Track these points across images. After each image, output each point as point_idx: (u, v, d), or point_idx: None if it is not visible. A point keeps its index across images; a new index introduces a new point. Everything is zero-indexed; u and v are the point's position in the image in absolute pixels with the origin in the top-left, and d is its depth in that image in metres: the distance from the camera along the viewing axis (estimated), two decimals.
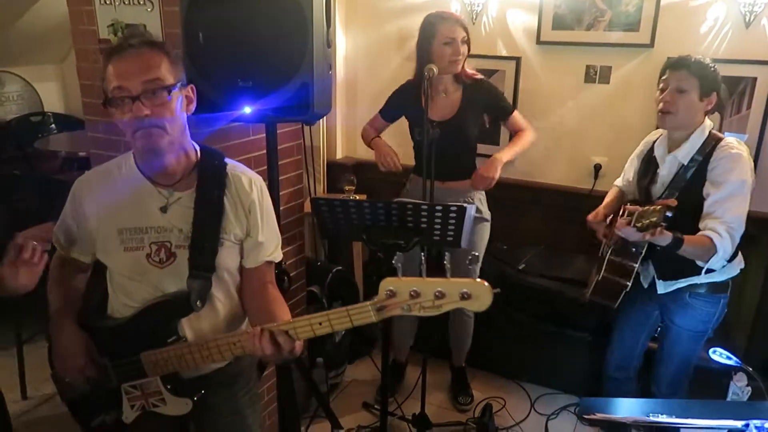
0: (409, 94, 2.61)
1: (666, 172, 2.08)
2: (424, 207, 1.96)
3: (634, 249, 2.07)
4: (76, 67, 2.25)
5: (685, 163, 2.01)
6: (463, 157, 2.62)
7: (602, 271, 2.14)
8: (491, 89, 2.64)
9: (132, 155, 1.48)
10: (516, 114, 2.66)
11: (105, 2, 2.02)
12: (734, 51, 2.66)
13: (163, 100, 1.32)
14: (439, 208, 1.95)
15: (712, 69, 1.97)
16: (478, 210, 2.60)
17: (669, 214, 1.74)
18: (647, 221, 1.74)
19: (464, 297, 1.18)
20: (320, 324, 1.26)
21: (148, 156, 1.41)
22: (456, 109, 2.55)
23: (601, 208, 2.29)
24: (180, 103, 1.38)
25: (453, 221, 1.96)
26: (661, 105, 1.99)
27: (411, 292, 1.18)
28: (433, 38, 2.45)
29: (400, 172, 2.60)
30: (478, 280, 1.18)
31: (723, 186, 1.91)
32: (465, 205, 1.95)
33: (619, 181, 2.40)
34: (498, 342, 3.06)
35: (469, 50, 2.50)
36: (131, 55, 1.32)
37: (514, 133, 2.66)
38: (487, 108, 2.67)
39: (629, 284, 2.09)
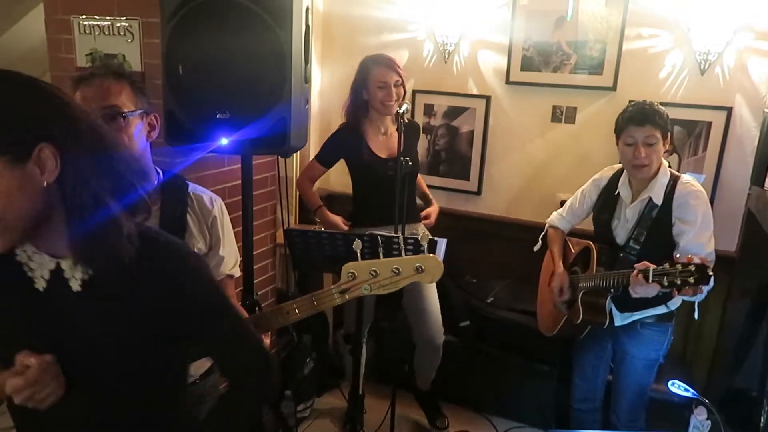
0: (350, 137, 2.64)
1: (632, 212, 2.17)
2: (396, 239, 2.00)
3: (613, 290, 2.14)
4: None
5: (659, 203, 2.10)
6: (411, 191, 2.71)
7: (580, 314, 2.20)
8: (418, 133, 2.83)
9: None
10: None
11: (84, 32, 2.04)
12: (691, 96, 2.81)
13: (119, 125, 1.41)
14: (411, 240, 1.99)
15: (664, 113, 2.08)
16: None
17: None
18: (672, 279, 1.82)
19: (418, 271, 1.33)
20: (287, 313, 1.37)
21: None
22: (401, 149, 2.62)
23: (559, 262, 2.37)
24: (138, 129, 1.46)
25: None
26: (636, 161, 2.07)
27: (371, 272, 1.32)
28: (366, 81, 2.56)
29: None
30: (431, 255, 1.33)
31: (694, 223, 2.02)
32: (437, 238, 1.99)
33: (556, 220, 2.49)
34: (466, 375, 3.08)
35: (404, 93, 2.59)
36: (95, 83, 1.41)
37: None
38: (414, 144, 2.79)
39: (606, 321, 2.17)
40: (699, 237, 2.01)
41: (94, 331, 0.99)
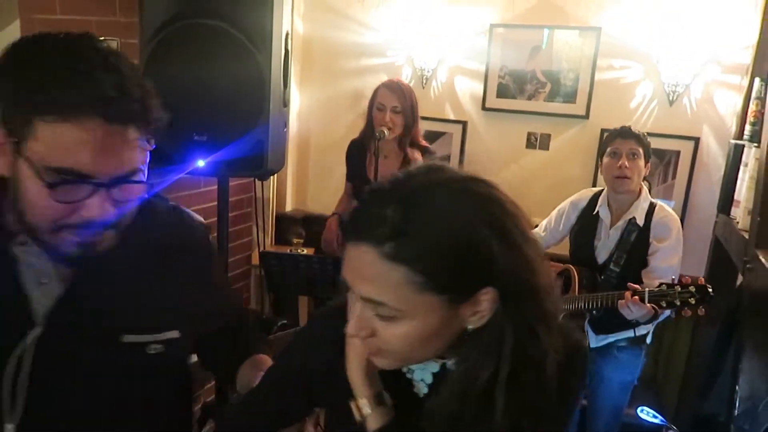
0: (354, 154, 2.69)
1: (613, 234, 2.22)
2: None
3: (595, 311, 2.17)
4: None
5: (641, 225, 2.16)
6: None
7: None
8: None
9: None
10: None
11: None
12: (660, 126, 2.89)
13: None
14: None
15: (647, 138, 2.19)
16: None
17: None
18: (672, 300, 1.87)
19: None
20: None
21: None
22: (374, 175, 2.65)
23: None
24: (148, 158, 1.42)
25: None
26: (617, 171, 2.15)
27: None
28: (373, 102, 2.59)
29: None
30: None
31: (669, 241, 2.11)
32: None
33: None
34: None
35: (406, 120, 2.57)
36: None
37: None
38: None
39: (587, 342, 2.21)
40: (671, 258, 2.09)
41: None
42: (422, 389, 0.88)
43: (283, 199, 3.67)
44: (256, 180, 2.66)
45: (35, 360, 0.92)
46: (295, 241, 3.20)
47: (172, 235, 1.06)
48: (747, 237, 1.99)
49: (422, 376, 0.88)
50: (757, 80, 2.37)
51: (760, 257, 1.75)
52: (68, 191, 0.84)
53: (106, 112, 0.82)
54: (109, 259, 0.93)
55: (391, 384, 0.87)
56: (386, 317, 0.75)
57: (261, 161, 1.73)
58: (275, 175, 3.53)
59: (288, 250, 2.91)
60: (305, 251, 3.05)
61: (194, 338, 1.11)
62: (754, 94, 2.37)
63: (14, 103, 0.83)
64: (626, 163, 2.13)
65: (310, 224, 3.56)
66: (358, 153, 2.68)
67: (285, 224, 3.59)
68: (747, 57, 2.65)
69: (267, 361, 1.15)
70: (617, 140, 2.17)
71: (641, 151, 2.15)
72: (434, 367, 0.87)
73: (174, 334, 1.02)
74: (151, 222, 1.00)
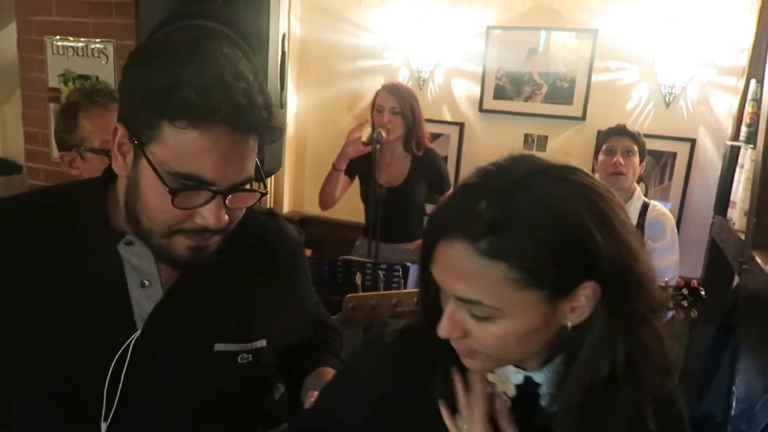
0: (362, 156, 2.66)
1: None
2: (369, 265, 2.01)
3: None
4: (21, 113, 2.22)
5: (635, 225, 2.17)
6: (410, 220, 2.70)
7: None
8: (437, 165, 2.72)
9: None
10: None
11: (58, 52, 2.03)
12: (656, 127, 2.90)
13: None
14: (383, 266, 2.00)
15: (641, 137, 2.19)
16: None
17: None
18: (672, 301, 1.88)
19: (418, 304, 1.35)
20: None
21: None
22: (403, 179, 2.63)
23: None
24: None
25: (397, 279, 2.01)
26: (612, 168, 2.16)
27: (372, 305, 1.31)
28: (373, 104, 2.58)
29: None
30: None
31: (664, 240, 2.11)
32: (408, 264, 2.01)
33: None
34: None
35: (406, 121, 2.55)
36: (108, 108, 1.39)
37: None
38: (429, 180, 2.74)
39: None
40: (668, 258, 2.09)
41: None
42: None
43: (280, 200, 3.67)
44: (253, 182, 2.65)
45: (131, 362, 0.90)
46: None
47: (266, 243, 1.04)
48: (743, 238, 2.00)
49: (504, 388, 0.82)
50: (752, 82, 2.38)
51: (756, 258, 1.75)
52: (188, 197, 0.82)
53: (235, 121, 0.81)
54: (207, 265, 0.92)
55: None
56: (481, 317, 0.71)
57: (258, 163, 1.72)
58: (273, 178, 3.55)
59: None
60: None
61: (280, 349, 1.09)
62: (749, 96, 2.37)
63: (142, 104, 0.81)
64: (621, 159, 2.15)
65: (307, 226, 3.56)
66: (366, 155, 2.67)
67: None
68: (743, 59, 2.66)
69: (330, 372, 1.13)
70: (612, 138, 2.20)
71: (636, 148, 2.17)
72: (518, 378, 0.81)
73: (262, 343, 1.01)
74: (247, 228, 0.97)
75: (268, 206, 3.53)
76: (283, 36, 1.79)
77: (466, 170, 3.49)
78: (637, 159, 2.18)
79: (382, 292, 1.43)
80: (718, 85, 2.80)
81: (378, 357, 0.89)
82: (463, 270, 0.70)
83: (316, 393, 1.00)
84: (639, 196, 2.22)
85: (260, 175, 0.94)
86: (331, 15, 3.37)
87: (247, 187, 0.88)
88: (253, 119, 0.82)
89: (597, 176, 2.25)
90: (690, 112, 2.86)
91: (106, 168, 0.95)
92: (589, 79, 2.96)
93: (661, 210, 2.21)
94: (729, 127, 2.73)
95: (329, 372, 1.12)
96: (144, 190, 0.84)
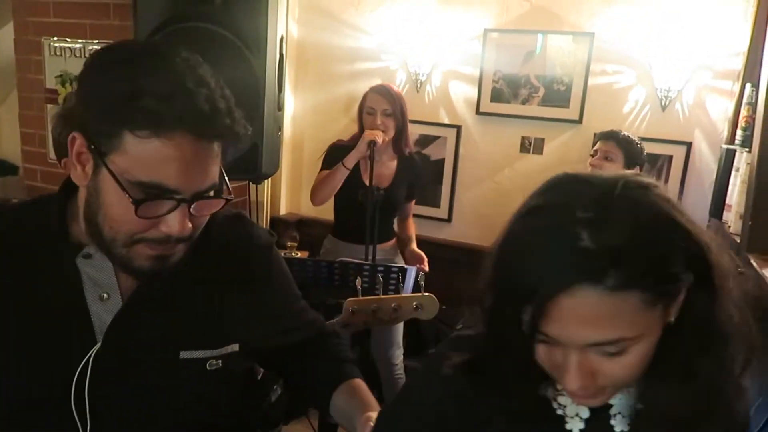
0: (343, 153, 2.65)
1: None
2: (367, 267, 2.01)
3: None
4: (18, 114, 2.22)
5: None
6: (389, 222, 2.72)
7: None
8: (421, 169, 2.77)
9: None
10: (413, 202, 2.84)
11: (55, 53, 2.03)
12: (652, 130, 2.91)
13: None
14: (381, 268, 2.00)
15: (638, 145, 2.19)
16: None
17: None
18: None
19: (417, 308, 1.42)
20: None
21: None
22: (390, 181, 2.65)
23: None
24: None
25: (394, 281, 2.01)
26: (590, 169, 2.18)
27: (372, 309, 1.32)
28: (362, 107, 2.59)
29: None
30: (426, 294, 1.44)
31: None
32: (406, 266, 2.01)
33: None
34: None
35: (397, 123, 2.56)
36: None
37: (404, 216, 2.81)
38: (409, 183, 2.75)
39: None
40: None
41: None
42: (576, 425, 0.78)
43: (277, 202, 3.67)
44: (251, 183, 2.65)
45: (94, 376, 0.89)
46: (289, 244, 3.20)
47: (232, 245, 1.02)
48: (738, 241, 2.01)
49: (577, 410, 0.77)
50: (748, 86, 2.39)
51: (752, 261, 1.76)
52: (152, 206, 0.80)
53: (198, 128, 0.79)
54: (168, 272, 0.90)
55: (540, 424, 0.78)
56: (616, 352, 0.66)
57: (255, 165, 1.72)
58: (270, 180, 3.55)
59: (282, 254, 2.91)
60: (299, 254, 3.05)
61: (257, 353, 1.07)
62: (745, 100, 2.39)
63: (101, 113, 0.79)
64: (595, 162, 2.18)
65: (304, 228, 3.56)
66: (345, 151, 2.65)
67: (279, 228, 3.59)
68: (738, 63, 2.68)
69: (362, 386, 1.10)
70: (599, 141, 2.23)
71: (620, 154, 2.18)
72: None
73: (234, 347, 0.99)
74: (212, 232, 0.95)
75: (265, 209, 3.53)
76: (281, 38, 1.80)
77: (463, 173, 3.51)
78: (619, 166, 2.19)
79: (382, 296, 1.43)
80: (713, 89, 2.81)
81: (441, 391, 0.84)
82: (596, 315, 0.63)
83: (372, 415, 0.97)
84: None
85: (224, 181, 0.92)
86: (329, 17, 3.38)
87: (211, 194, 0.86)
88: (216, 125, 0.81)
89: None
90: (686, 116, 2.87)
91: (64, 180, 0.92)
92: (585, 82, 2.97)
93: None
94: (724, 131, 2.74)
95: (359, 385, 1.10)
96: (105, 200, 0.82)
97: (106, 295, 0.91)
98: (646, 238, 0.63)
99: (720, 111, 2.82)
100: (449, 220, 3.36)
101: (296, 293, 1.17)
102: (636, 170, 2.22)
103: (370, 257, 2.40)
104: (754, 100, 2.31)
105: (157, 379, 0.93)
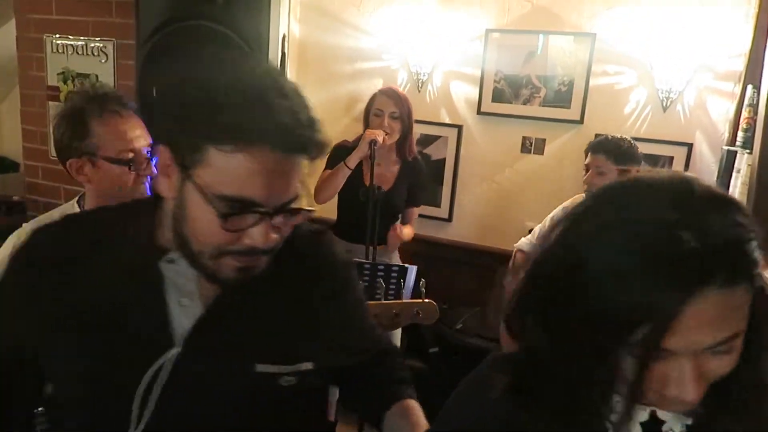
0: (347, 153, 2.66)
1: None
2: (367, 266, 2.01)
3: None
4: (20, 111, 2.22)
5: None
6: (387, 225, 2.72)
7: None
8: (424, 174, 2.78)
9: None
10: (417, 209, 2.85)
11: (57, 51, 2.03)
12: (653, 131, 2.92)
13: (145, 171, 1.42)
14: (381, 267, 2.00)
15: (629, 146, 2.19)
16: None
17: None
18: None
19: (417, 314, 1.47)
20: None
21: None
22: (391, 184, 2.65)
23: None
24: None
25: (394, 280, 2.01)
26: (585, 187, 2.24)
27: (373, 314, 1.37)
28: (369, 108, 2.59)
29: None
30: (426, 300, 1.49)
31: None
32: (406, 265, 2.02)
33: (525, 245, 2.55)
34: (434, 401, 3.07)
35: (403, 127, 2.58)
36: (124, 117, 1.39)
37: (405, 222, 2.81)
38: (410, 187, 2.76)
39: None
40: None
41: None
42: None
43: None
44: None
45: (170, 379, 0.89)
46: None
47: (311, 262, 1.02)
48: None
49: (672, 425, 0.73)
50: (749, 87, 2.40)
51: None
52: (237, 220, 0.81)
53: (281, 142, 0.79)
54: (250, 284, 0.90)
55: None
56: (725, 350, 0.63)
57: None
58: None
59: None
60: None
61: (331, 372, 1.06)
62: (746, 101, 2.39)
63: (184, 127, 0.80)
64: (589, 179, 2.23)
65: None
66: (348, 151, 2.65)
67: None
68: (739, 64, 2.68)
69: (416, 408, 1.08)
70: (589, 154, 2.24)
71: (611, 165, 2.19)
72: (644, 415, 0.73)
73: (308, 365, 0.97)
74: (293, 246, 0.94)
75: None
76: (283, 37, 1.80)
77: (464, 172, 3.50)
78: (611, 177, 2.19)
79: (383, 301, 1.46)
80: (715, 90, 2.81)
81: (490, 415, 0.81)
82: (718, 315, 0.61)
83: None
84: None
85: (309, 192, 0.92)
86: (330, 17, 3.38)
87: (294, 206, 0.86)
88: (298, 138, 0.81)
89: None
90: (687, 117, 2.87)
91: None
92: (587, 82, 2.97)
93: None
94: (725, 132, 2.75)
95: (412, 406, 1.09)
96: (192, 213, 0.83)
97: (186, 301, 0.91)
98: (738, 228, 0.61)
99: (721, 112, 2.82)
100: (450, 219, 3.36)
101: (368, 312, 1.17)
102: (636, 170, 2.22)
103: (370, 257, 2.40)
104: (755, 102, 2.31)
105: (230, 389, 0.92)
